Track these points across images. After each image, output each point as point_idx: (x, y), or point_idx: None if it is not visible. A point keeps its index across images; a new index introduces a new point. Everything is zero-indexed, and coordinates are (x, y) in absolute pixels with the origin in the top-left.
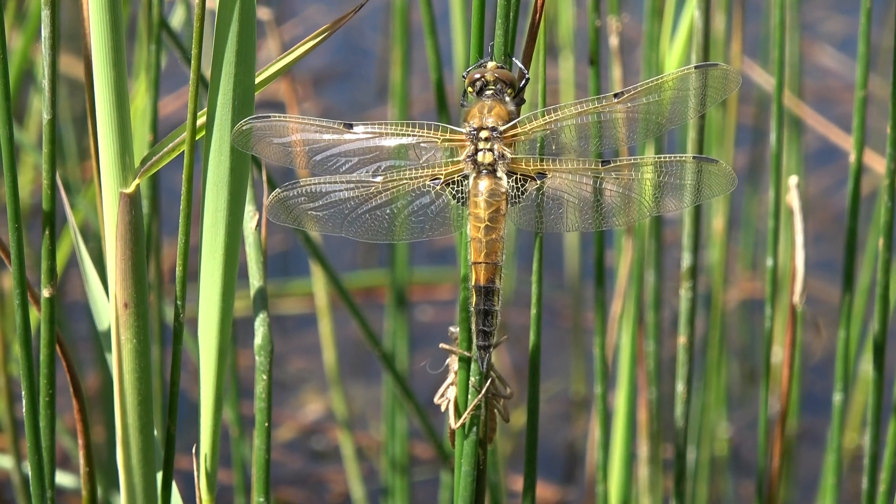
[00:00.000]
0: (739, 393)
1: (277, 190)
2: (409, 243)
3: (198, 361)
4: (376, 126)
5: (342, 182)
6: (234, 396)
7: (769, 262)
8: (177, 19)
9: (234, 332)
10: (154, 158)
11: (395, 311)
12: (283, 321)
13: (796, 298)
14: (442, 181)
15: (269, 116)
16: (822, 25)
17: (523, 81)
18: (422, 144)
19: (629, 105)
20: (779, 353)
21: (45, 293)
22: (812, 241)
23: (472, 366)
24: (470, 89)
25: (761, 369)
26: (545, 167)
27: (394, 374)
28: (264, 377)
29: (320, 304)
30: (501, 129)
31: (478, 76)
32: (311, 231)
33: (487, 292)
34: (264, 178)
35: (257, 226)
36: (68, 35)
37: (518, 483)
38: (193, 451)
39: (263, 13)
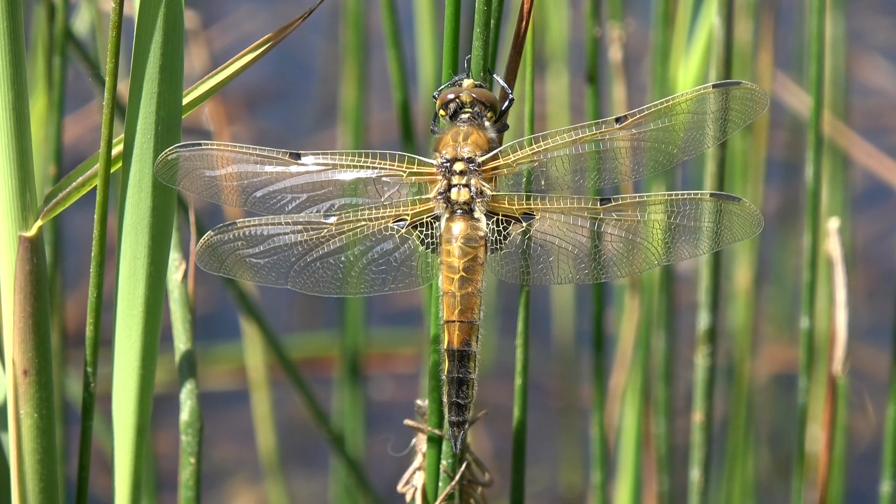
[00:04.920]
0: (769, 484)
1: (210, 232)
2: (363, 300)
3: (109, 445)
4: (329, 156)
5: (288, 224)
6: (151, 490)
7: (804, 322)
8: (82, 23)
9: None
10: (60, 195)
11: (346, 385)
12: (207, 398)
13: (836, 367)
14: (408, 223)
15: (200, 144)
16: (874, 36)
17: (506, 103)
18: (384, 179)
19: (634, 131)
20: (817, 436)
21: None
22: (860, 299)
23: (444, 446)
24: (442, 112)
25: (795, 455)
26: (532, 206)
27: (345, 459)
28: (192, 460)
29: (255, 377)
30: (480, 160)
31: (451, 97)
32: (247, 282)
33: (462, 357)
34: (192, 218)
35: (184, 277)
36: None
37: None
38: None
39: (188, 18)
